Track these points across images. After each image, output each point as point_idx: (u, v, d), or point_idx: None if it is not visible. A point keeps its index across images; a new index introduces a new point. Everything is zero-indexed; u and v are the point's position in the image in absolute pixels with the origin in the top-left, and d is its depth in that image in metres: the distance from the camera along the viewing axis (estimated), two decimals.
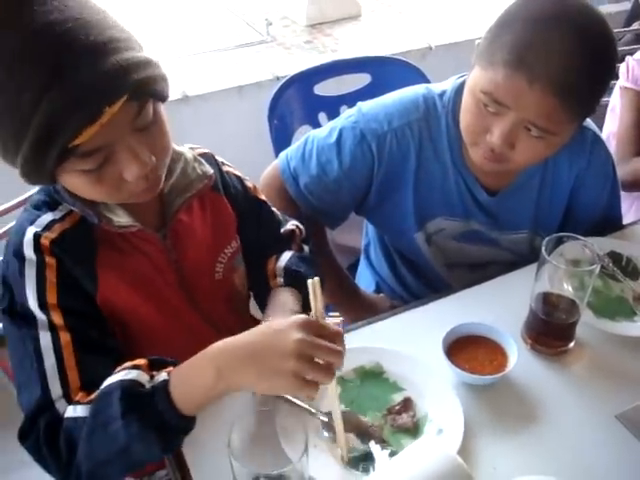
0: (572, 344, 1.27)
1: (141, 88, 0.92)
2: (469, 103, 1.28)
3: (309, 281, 0.98)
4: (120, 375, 0.95)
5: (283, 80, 1.94)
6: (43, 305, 1.02)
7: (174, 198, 1.17)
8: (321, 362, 0.92)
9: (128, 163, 0.96)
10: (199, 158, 1.23)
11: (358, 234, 1.86)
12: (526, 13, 1.19)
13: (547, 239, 1.21)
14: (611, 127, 2.18)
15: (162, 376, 0.94)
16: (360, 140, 1.44)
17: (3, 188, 1.43)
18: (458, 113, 1.35)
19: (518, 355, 1.19)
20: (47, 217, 1.06)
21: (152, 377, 0.95)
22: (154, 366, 0.98)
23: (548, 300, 1.23)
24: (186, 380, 0.93)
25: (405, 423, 1.11)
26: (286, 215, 1.46)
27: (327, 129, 1.50)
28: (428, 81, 1.92)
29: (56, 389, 1.00)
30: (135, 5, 3.30)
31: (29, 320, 1.02)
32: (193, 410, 0.94)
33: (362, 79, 2.03)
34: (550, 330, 1.25)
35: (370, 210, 1.56)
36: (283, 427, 1.01)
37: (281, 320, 0.94)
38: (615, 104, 2.16)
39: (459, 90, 1.39)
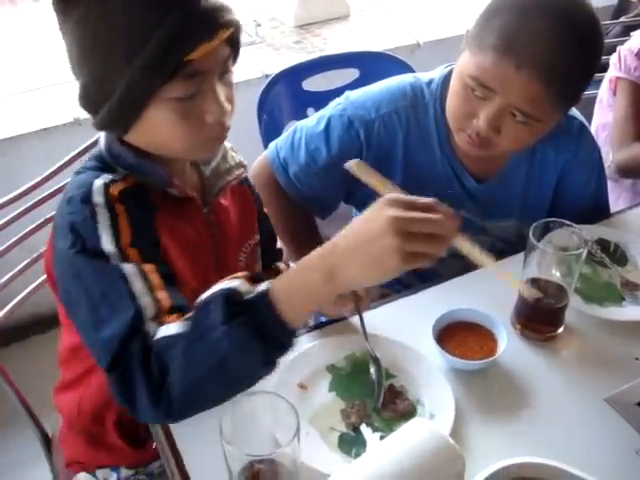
0: (561, 329, 1.28)
1: (237, 31, 1.05)
2: (457, 88, 1.30)
3: (349, 164, 0.99)
4: (219, 286, 0.95)
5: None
6: (118, 246, 1.02)
7: (215, 181, 1.23)
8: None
9: (211, 103, 1.04)
10: (233, 147, 1.28)
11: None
12: (515, 2, 1.22)
13: (535, 225, 1.22)
14: (599, 119, 2.20)
15: (264, 285, 0.93)
16: (348, 127, 1.46)
17: None
18: (445, 101, 1.37)
19: (508, 341, 1.20)
20: (108, 176, 1.08)
21: (254, 287, 0.94)
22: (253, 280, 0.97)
23: (537, 286, 1.24)
24: (292, 285, 0.93)
25: (405, 407, 1.13)
26: (277, 205, 1.47)
27: (315, 118, 1.52)
28: None
29: (148, 309, 0.98)
30: None
31: (107, 258, 1.01)
32: (296, 318, 0.92)
33: (350, 74, 2.04)
34: (539, 316, 1.26)
35: (359, 198, 1.56)
36: (275, 412, 1.01)
37: (370, 207, 0.92)
38: (603, 96, 2.17)
39: (447, 78, 1.41)
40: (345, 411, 1.12)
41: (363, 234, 0.89)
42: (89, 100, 1.06)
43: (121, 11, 0.96)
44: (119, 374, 0.95)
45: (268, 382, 1.12)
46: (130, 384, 0.94)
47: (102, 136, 1.14)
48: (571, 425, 1.12)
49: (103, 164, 1.11)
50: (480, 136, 1.29)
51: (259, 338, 0.90)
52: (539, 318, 1.26)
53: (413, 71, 1.99)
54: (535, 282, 1.24)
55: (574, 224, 1.24)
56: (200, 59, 0.99)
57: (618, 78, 2.04)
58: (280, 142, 1.57)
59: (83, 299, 1.00)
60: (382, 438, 1.01)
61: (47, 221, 1.58)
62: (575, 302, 1.31)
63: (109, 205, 1.04)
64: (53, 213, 1.57)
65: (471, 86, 1.26)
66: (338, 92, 2.02)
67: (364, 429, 1.04)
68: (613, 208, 1.72)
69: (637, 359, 1.23)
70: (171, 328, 0.95)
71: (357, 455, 1.04)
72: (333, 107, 1.49)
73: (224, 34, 1.01)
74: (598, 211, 1.62)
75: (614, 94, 2.09)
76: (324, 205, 1.58)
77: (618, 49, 2.02)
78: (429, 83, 1.47)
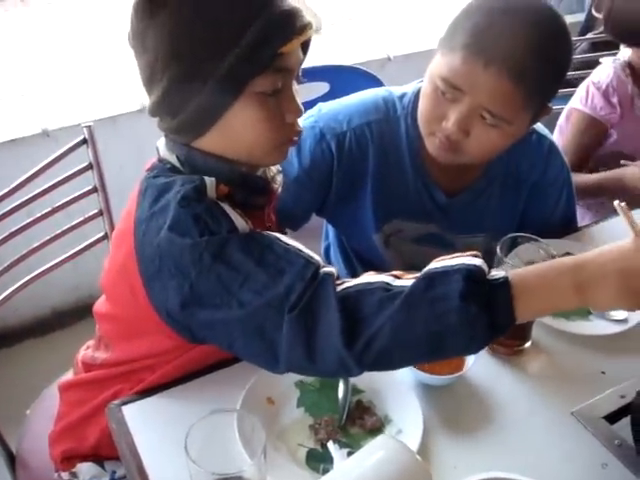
0: (528, 344, 1.29)
1: (310, 37, 1.10)
2: (428, 90, 1.32)
3: (616, 204, 1.00)
4: (458, 260, 0.93)
5: None
6: (248, 228, 1.02)
7: (271, 182, 1.23)
8: None
9: (292, 103, 1.09)
10: None
11: (316, 243, 1.86)
12: (486, 3, 1.26)
13: (503, 240, 1.23)
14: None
15: (501, 273, 0.93)
16: (320, 139, 1.45)
17: None
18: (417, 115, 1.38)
19: (475, 355, 1.20)
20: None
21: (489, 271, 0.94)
22: None
23: None
24: (534, 288, 0.92)
25: (373, 423, 1.13)
26: None
27: None
28: None
29: (317, 257, 0.98)
30: None
31: (247, 232, 1.01)
32: (525, 317, 0.93)
33: (321, 88, 2.05)
34: None
35: (330, 211, 1.56)
36: (242, 429, 1.01)
37: (626, 241, 0.95)
38: (562, 124, 2.18)
39: (419, 92, 1.41)
40: (313, 427, 1.12)
41: (628, 267, 0.91)
42: (173, 99, 1.04)
43: (218, 3, 1.00)
44: (303, 314, 0.92)
45: (236, 396, 1.12)
46: (318, 322, 0.92)
47: (164, 148, 1.13)
48: (539, 439, 1.13)
49: (177, 172, 1.10)
50: (450, 139, 1.30)
51: (487, 324, 0.89)
52: (507, 332, 1.26)
53: (383, 85, 2.00)
54: None
55: (541, 239, 1.25)
56: (288, 54, 1.04)
57: (578, 110, 2.05)
58: None
59: (232, 277, 0.96)
60: (350, 454, 1.01)
61: (12, 234, 1.57)
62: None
63: (221, 200, 1.05)
64: (18, 227, 1.57)
65: (441, 88, 1.27)
66: (308, 105, 2.02)
67: (331, 446, 1.04)
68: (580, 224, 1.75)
69: (603, 373, 1.25)
70: (376, 277, 0.96)
71: (325, 471, 1.04)
72: (305, 119, 1.49)
73: (309, 32, 1.07)
74: (566, 226, 1.64)
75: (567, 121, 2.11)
76: (296, 217, 1.57)
77: (588, 84, 2.03)
78: (401, 97, 1.48)
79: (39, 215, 1.62)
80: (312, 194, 1.52)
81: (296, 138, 1.14)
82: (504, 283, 0.91)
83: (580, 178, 1.89)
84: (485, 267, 0.92)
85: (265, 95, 1.05)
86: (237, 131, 1.07)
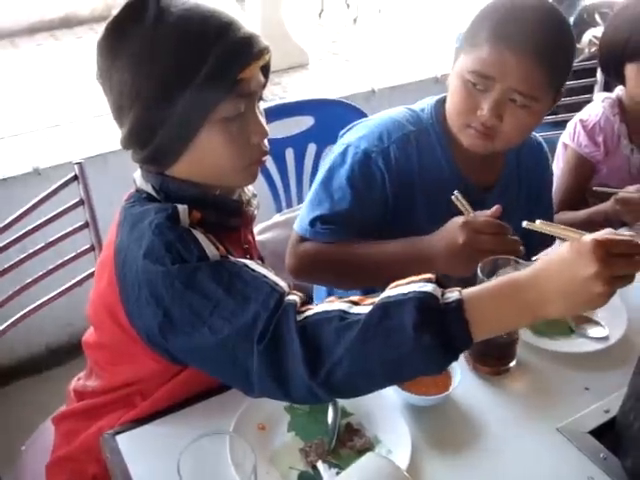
0: (513, 363, 1.31)
1: (270, 58, 1.16)
2: (458, 86, 1.41)
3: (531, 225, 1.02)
4: (414, 287, 0.95)
5: None
6: (219, 255, 1.06)
7: (247, 206, 1.28)
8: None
9: (256, 125, 1.14)
10: None
11: None
12: (500, 2, 1.41)
13: (482, 263, 1.26)
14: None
15: (454, 295, 0.94)
16: (366, 160, 1.48)
17: None
18: (443, 122, 1.50)
19: (461, 376, 1.23)
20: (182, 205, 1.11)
21: (442, 294, 0.96)
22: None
23: None
24: (487, 309, 0.94)
25: (363, 444, 1.15)
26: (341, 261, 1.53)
27: (321, 176, 1.54)
28: None
29: (281, 284, 1.02)
30: None
31: (217, 260, 1.05)
32: (481, 336, 0.95)
33: (307, 121, 2.09)
34: (491, 350, 1.29)
35: (386, 226, 1.56)
36: (234, 452, 1.03)
37: (562, 250, 0.97)
38: (559, 154, 2.21)
39: (438, 103, 1.54)
40: (304, 450, 1.14)
41: (570, 279, 0.93)
42: (141, 132, 1.10)
43: (175, 39, 1.06)
44: (270, 345, 0.95)
45: (227, 423, 1.14)
46: (283, 353, 0.95)
47: (140, 179, 1.18)
48: (526, 455, 1.15)
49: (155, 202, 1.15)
50: (485, 126, 1.39)
51: (443, 350, 0.92)
52: (491, 353, 1.29)
53: (368, 118, 2.05)
54: None
55: (521, 260, 1.28)
56: (248, 79, 1.10)
57: (566, 145, 2.10)
58: (301, 216, 1.56)
59: (203, 304, 1.01)
60: (338, 473, 1.03)
61: (4, 271, 1.59)
62: (526, 336, 1.35)
63: (193, 227, 1.09)
64: (11, 263, 1.60)
65: (472, 81, 1.38)
66: (294, 139, 2.08)
67: (321, 466, 1.06)
68: None
69: (587, 389, 1.27)
70: (333, 305, 0.98)
71: None
72: (339, 154, 1.51)
73: (267, 56, 1.13)
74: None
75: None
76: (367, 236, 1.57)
77: (576, 121, 2.08)
78: (422, 110, 1.56)
79: (31, 251, 1.65)
80: (372, 215, 1.53)
81: (264, 158, 1.19)
82: (457, 307, 0.93)
83: (568, 215, 1.93)
84: (437, 292, 0.94)
85: (229, 120, 1.10)
86: (205, 156, 1.12)
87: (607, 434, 1.18)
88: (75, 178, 1.66)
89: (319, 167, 1.61)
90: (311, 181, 2.14)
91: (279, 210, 2.14)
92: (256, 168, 1.20)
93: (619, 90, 2.05)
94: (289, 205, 2.17)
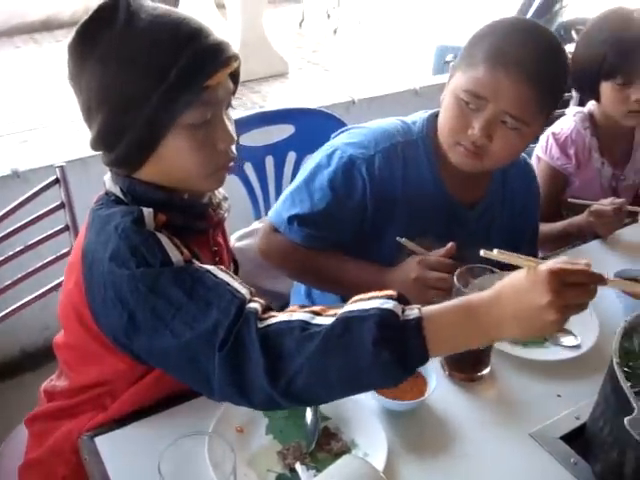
0: (487, 370, 1.34)
1: (239, 66, 1.18)
2: (451, 104, 1.43)
3: (488, 254, 1.04)
4: (376, 303, 0.97)
5: None
6: (182, 260, 1.07)
7: (216, 209, 1.30)
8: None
9: (222, 131, 1.15)
10: None
11: (287, 280, 1.90)
12: (497, 26, 1.43)
13: (459, 270, 1.29)
14: None
15: (414, 313, 0.97)
16: (350, 166, 1.50)
17: None
18: (433, 137, 1.51)
19: (437, 382, 1.26)
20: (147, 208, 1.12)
21: (403, 311, 0.98)
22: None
23: None
24: (445, 330, 0.97)
25: (340, 448, 1.16)
26: (306, 264, 1.60)
27: (306, 173, 1.57)
28: None
29: (243, 292, 1.03)
30: None
31: (180, 265, 1.06)
32: (439, 354, 0.99)
33: (287, 130, 2.11)
34: (466, 357, 1.31)
35: (361, 234, 1.58)
36: (212, 452, 1.04)
37: (519, 277, 0.99)
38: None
39: (431, 117, 1.55)
40: (281, 452, 1.15)
41: (524, 307, 0.96)
42: (108, 136, 1.12)
43: (143, 45, 1.07)
44: (231, 352, 0.97)
45: (206, 425, 1.15)
46: (244, 361, 0.97)
47: (110, 181, 1.19)
48: (499, 460, 1.17)
49: (123, 204, 1.16)
50: (475, 145, 1.41)
51: (401, 365, 0.95)
52: (466, 360, 1.32)
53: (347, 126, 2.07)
54: None
55: (497, 269, 1.31)
56: (215, 87, 1.11)
57: (539, 157, 2.14)
58: (278, 207, 1.61)
59: (165, 308, 1.02)
60: (316, 474, 1.04)
61: None
62: (500, 344, 1.38)
63: (158, 230, 1.10)
64: None
65: (465, 99, 1.40)
66: (275, 147, 2.10)
67: (299, 467, 1.08)
68: None
69: (559, 396, 1.30)
70: (295, 315, 1.00)
71: None
72: (326, 156, 1.54)
73: (234, 64, 1.14)
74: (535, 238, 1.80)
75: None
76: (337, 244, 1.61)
77: (548, 134, 2.12)
78: (413, 122, 1.58)
79: (11, 254, 1.65)
80: (349, 220, 1.56)
81: (231, 164, 1.21)
82: (416, 325, 0.95)
83: (544, 227, 1.97)
84: (398, 309, 0.97)
85: (195, 126, 1.11)
86: (171, 161, 1.14)
87: (578, 440, 1.20)
88: (57, 181, 1.66)
89: (305, 163, 1.62)
90: None
91: (258, 217, 2.15)
92: (223, 174, 1.21)
93: (590, 105, 2.09)
94: (268, 212, 2.17)
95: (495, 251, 1.02)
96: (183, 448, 0.98)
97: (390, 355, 0.93)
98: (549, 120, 1.51)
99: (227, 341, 0.97)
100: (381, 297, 0.99)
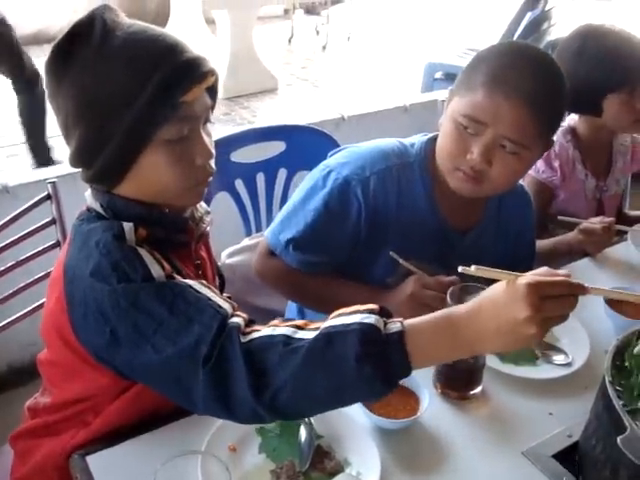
0: (479, 388, 1.34)
1: (216, 81, 1.19)
2: (449, 129, 1.42)
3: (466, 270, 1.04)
4: (357, 317, 0.97)
5: None
6: (164, 273, 1.07)
7: (198, 223, 1.30)
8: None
9: (200, 147, 1.15)
10: None
11: (280, 297, 1.89)
12: (497, 50, 1.44)
13: (452, 289, 1.29)
14: None
15: (396, 326, 0.97)
16: (345, 187, 1.50)
17: None
18: (430, 161, 1.50)
19: (429, 400, 1.26)
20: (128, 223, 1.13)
21: (385, 324, 0.98)
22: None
23: None
24: (428, 343, 0.98)
25: (333, 467, 1.16)
26: (299, 284, 1.61)
27: (302, 192, 1.56)
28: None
29: (225, 306, 1.04)
30: None
31: (161, 281, 1.06)
32: (422, 366, 0.98)
33: (277, 146, 2.12)
34: (458, 376, 1.32)
35: (354, 255, 1.59)
36: (206, 472, 1.03)
37: (498, 291, 0.99)
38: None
39: (430, 140, 1.54)
40: (275, 471, 1.15)
41: (504, 322, 0.96)
42: (86, 152, 1.12)
43: (119, 62, 1.08)
44: (215, 368, 0.97)
45: (198, 443, 1.14)
46: (228, 376, 0.97)
47: (90, 197, 1.20)
48: (492, 478, 1.17)
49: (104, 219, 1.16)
50: (474, 170, 1.40)
51: (384, 379, 0.95)
52: (458, 378, 1.32)
53: (337, 144, 2.08)
54: None
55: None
56: (191, 102, 1.11)
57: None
58: (275, 228, 1.60)
59: (147, 323, 1.02)
60: None
61: None
62: (492, 362, 1.38)
63: (139, 245, 1.10)
64: None
65: (463, 124, 1.39)
66: (266, 164, 2.10)
67: None
68: None
69: (551, 414, 1.31)
70: (278, 330, 1.00)
71: None
72: (321, 177, 1.54)
73: (210, 79, 1.15)
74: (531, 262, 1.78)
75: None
76: (328, 264, 1.61)
77: None
78: (412, 145, 1.58)
79: (1, 269, 1.64)
80: (344, 243, 1.56)
81: (210, 179, 1.21)
82: (399, 339, 0.96)
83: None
84: (380, 323, 0.97)
85: (173, 142, 1.12)
86: (150, 177, 1.14)
87: (570, 458, 1.21)
88: (48, 197, 1.66)
89: (301, 183, 1.62)
90: (281, 205, 2.16)
91: (249, 234, 2.15)
92: (202, 188, 1.22)
93: (570, 119, 2.13)
94: (259, 229, 2.18)
95: (473, 267, 1.02)
96: (176, 467, 0.97)
97: (373, 370, 0.93)
98: (549, 144, 1.49)
99: (211, 356, 0.98)
100: (363, 311, 0.99)
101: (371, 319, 0.97)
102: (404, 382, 1.28)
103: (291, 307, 1.87)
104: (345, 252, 1.58)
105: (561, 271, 1.01)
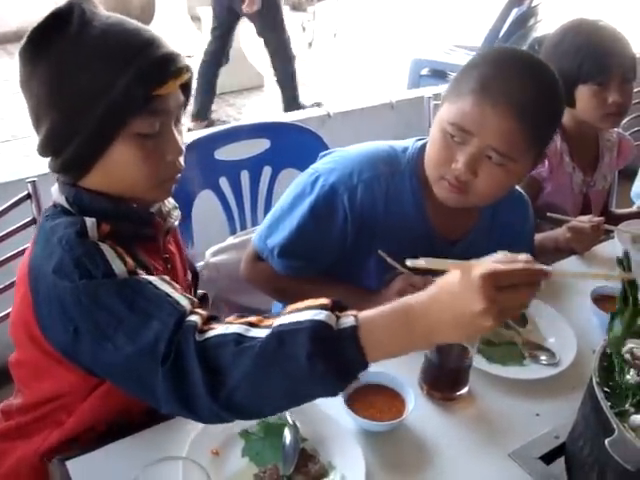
0: (466, 389, 1.33)
1: (190, 78, 1.18)
2: (436, 136, 1.39)
3: (414, 263, 0.99)
4: (309, 314, 0.96)
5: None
6: (126, 268, 1.06)
7: (166, 218, 1.29)
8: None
9: (171, 143, 1.15)
10: None
11: (264, 296, 1.88)
12: (489, 56, 1.41)
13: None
14: None
15: (349, 321, 0.95)
16: (332, 195, 1.47)
17: None
18: (421, 168, 1.46)
19: (415, 401, 1.24)
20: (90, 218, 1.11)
21: (337, 319, 0.96)
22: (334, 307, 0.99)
23: (441, 348, 1.29)
24: (382, 336, 0.95)
25: (317, 471, 1.14)
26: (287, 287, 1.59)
27: (290, 197, 1.54)
28: (326, 146, 2.00)
29: (184, 303, 1.03)
30: None
31: (123, 278, 1.05)
32: (377, 360, 0.95)
33: (262, 144, 2.10)
34: (444, 376, 1.31)
35: (340, 262, 1.57)
36: (188, 477, 1.01)
37: (453, 281, 0.96)
38: None
39: (422, 147, 1.49)
40: (258, 475, 1.13)
41: (460, 312, 0.94)
42: (56, 140, 1.11)
43: (95, 52, 1.08)
44: (173, 366, 0.96)
45: (180, 447, 1.13)
46: (185, 375, 0.96)
47: (56, 192, 1.18)
48: None
49: (67, 213, 1.14)
50: (459, 180, 1.37)
51: (339, 375, 0.94)
52: (445, 379, 1.31)
53: (322, 141, 2.06)
54: (439, 344, 1.28)
55: None
56: (165, 97, 1.11)
57: None
58: (262, 232, 1.58)
59: (107, 321, 1.01)
60: None
61: None
62: (478, 363, 1.37)
63: (102, 240, 1.09)
64: None
65: (450, 132, 1.35)
66: (250, 161, 2.08)
67: None
68: None
69: (538, 415, 1.30)
70: (231, 328, 0.99)
71: None
72: (309, 182, 1.51)
73: (186, 75, 1.15)
74: None
75: None
76: (314, 269, 1.60)
77: None
78: (404, 150, 1.54)
79: None
80: (330, 249, 1.54)
81: (178, 176, 1.20)
82: (352, 334, 0.94)
83: None
84: (332, 320, 0.95)
85: (143, 136, 1.11)
86: (117, 170, 1.13)
87: (557, 459, 1.20)
88: (28, 196, 1.63)
89: (289, 187, 1.60)
90: (266, 203, 2.16)
91: (233, 232, 2.13)
92: (170, 184, 1.21)
93: None
94: (243, 227, 2.16)
95: (422, 260, 0.98)
96: (157, 472, 0.95)
97: (325, 367, 0.92)
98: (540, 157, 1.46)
99: (169, 354, 0.97)
100: (315, 307, 0.97)
101: (322, 315, 0.95)
102: (389, 383, 1.28)
103: (276, 305, 1.85)
104: (332, 257, 1.56)
105: (521, 256, 0.97)
